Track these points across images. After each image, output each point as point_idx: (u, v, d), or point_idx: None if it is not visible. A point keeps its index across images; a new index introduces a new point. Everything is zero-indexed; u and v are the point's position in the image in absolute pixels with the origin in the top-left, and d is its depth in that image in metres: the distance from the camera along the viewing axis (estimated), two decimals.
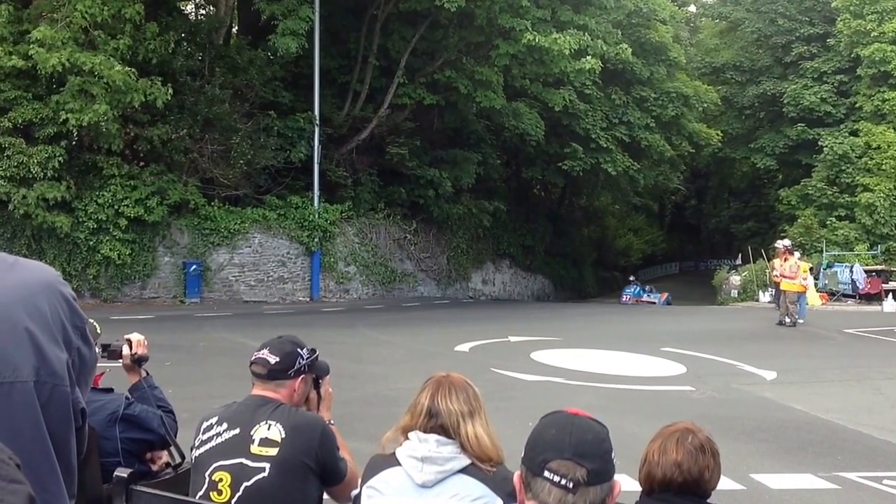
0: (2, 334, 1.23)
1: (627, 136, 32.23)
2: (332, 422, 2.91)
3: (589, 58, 23.45)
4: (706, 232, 60.12)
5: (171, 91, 18.05)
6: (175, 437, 3.31)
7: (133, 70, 17.32)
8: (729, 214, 49.15)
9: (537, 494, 1.59)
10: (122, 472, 2.77)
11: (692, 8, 49.77)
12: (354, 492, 2.68)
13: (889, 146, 28.89)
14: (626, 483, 4.69)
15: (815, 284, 24.49)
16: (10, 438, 1.18)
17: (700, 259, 60.71)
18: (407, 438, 2.43)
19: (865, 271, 24.81)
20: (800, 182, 31.79)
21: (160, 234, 19.67)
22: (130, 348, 3.26)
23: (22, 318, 1.25)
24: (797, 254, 19.58)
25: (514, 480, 1.69)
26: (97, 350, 2.13)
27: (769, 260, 23.09)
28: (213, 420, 2.75)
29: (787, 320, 17.38)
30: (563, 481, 1.57)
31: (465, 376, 2.55)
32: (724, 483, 2.28)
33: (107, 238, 18.55)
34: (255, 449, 2.62)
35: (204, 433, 2.73)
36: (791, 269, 17.67)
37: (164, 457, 3.31)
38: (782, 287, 17.91)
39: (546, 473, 1.58)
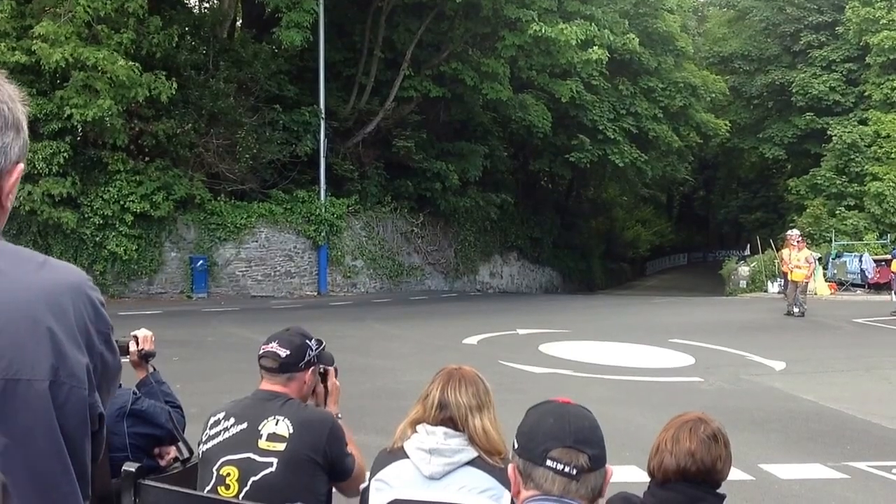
0: (23, 332, 1.21)
1: (635, 127, 32.05)
2: (339, 415, 2.90)
3: (596, 48, 23.32)
4: (714, 223, 59.91)
5: (175, 85, 18.02)
6: (183, 432, 3.31)
7: (137, 65, 17.28)
8: (737, 205, 48.92)
9: (540, 484, 1.59)
10: (130, 467, 2.77)
11: None
12: (363, 485, 2.67)
13: None
14: (635, 474, 4.68)
15: (825, 274, 24.38)
16: (24, 437, 1.18)
17: (708, 250, 60.60)
18: (415, 431, 2.43)
19: (875, 261, 24.66)
20: (808, 172, 31.61)
21: (166, 229, 19.70)
22: (137, 344, 3.26)
23: (45, 317, 1.23)
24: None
25: (509, 473, 1.69)
26: None
27: (778, 250, 23.00)
28: (221, 415, 2.75)
29: (796, 310, 17.33)
30: (567, 469, 1.58)
31: (475, 369, 2.55)
32: (733, 473, 2.28)
33: (113, 234, 18.58)
34: (262, 444, 2.62)
35: (211, 428, 2.73)
36: (806, 261, 17.64)
37: (173, 452, 3.31)
38: (791, 277, 17.88)
39: (549, 462, 1.58)
